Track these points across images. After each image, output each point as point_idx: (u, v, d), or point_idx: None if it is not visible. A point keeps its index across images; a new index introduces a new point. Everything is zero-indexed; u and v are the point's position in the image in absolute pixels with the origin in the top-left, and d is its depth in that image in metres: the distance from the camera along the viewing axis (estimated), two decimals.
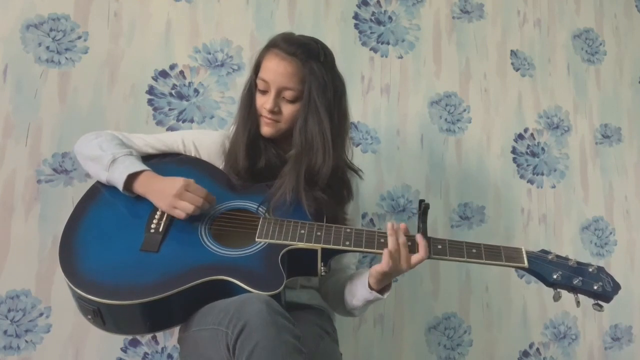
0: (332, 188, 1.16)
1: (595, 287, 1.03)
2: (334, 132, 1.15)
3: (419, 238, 1.06)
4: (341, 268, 1.27)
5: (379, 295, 1.10)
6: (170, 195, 1.06)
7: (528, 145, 1.94)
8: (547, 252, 1.08)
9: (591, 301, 1.05)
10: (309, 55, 1.14)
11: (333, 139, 1.14)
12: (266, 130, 1.18)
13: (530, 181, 1.92)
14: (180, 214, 1.05)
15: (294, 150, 1.16)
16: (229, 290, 0.97)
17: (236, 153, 1.17)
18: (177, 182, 1.07)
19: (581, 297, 1.06)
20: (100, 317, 0.98)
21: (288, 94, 1.15)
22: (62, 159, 1.48)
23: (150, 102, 1.58)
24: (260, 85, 1.16)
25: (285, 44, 1.14)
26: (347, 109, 1.23)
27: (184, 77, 1.62)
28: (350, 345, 1.63)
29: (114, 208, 1.11)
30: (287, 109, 1.16)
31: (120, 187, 1.08)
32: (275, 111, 1.16)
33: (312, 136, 1.13)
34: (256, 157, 1.18)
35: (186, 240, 1.06)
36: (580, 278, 1.04)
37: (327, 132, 1.13)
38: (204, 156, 1.24)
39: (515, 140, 1.93)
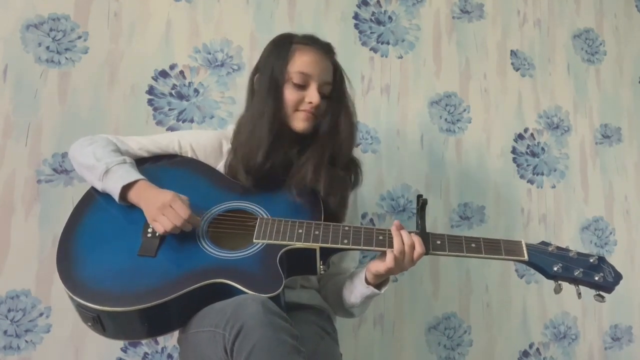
0: (348, 170, 1.22)
1: (597, 278, 1.02)
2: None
3: (413, 236, 1.06)
4: (340, 272, 1.26)
5: (375, 290, 1.09)
6: (154, 208, 1.04)
7: (528, 145, 1.94)
8: (547, 244, 1.07)
9: (593, 292, 1.04)
10: (333, 52, 1.23)
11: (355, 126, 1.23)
12: (305, 125, 1.17)
13: (530, 181, 1.92)
14: (159, 227, 1.03)
15: (321, 137, 1.18)
16: (229, 293, 0.97)
17: (256, 149, 1.12)
18: (164, 196, 1.04)
19: (582, 288, 1.04)
20: (101, 323, 0.97)
21: (327, 89, 1.18)
22: (62, 159, 1.48)
23: (150, 102, 1.58)
24: (298, 78, 1.15)
25: (313, 40, 1.21)
26: None
27: (184, 77, 1.62)
28: (350, 345, 1.63)
29: (110, 213, 1.10)
30: (323, 104, 1.18)
31: (115, 197, 1.07)
32: (320, 105, 1.17)
33: (342, 125, 1.19)
34: (273, 155, 1.14)
35: (184, 243, 1.05)
36: (581, 269, 1.02)
37: (354, 120, 1.22)
38: (201, 157, 1.23)
39: (515, 140, 1.93)
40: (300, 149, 1.19)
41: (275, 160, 1.14)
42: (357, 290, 1.13)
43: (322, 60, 1.18)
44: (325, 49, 1.20)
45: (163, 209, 1.03)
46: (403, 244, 1.04)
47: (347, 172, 1.22)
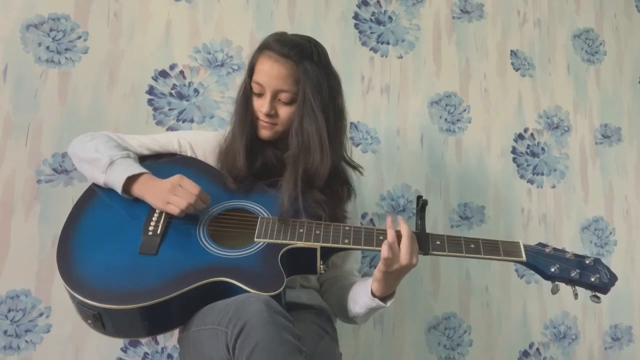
0: (331, 187, 1.15)
1: (593, 279, 1.04)
2: (331, 131, 1.15)
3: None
4: (343, 275, 1.26)
5: (381, 303, 1.08)
6: (164, 191, 1.05)
7: (528, 145, 1.94)
8: (544, 245, 1.08)
9: (589, 293, 1.06)
10: (303, 56, 1.12)
11: (330, 138, 1.13)
12: (264, 133, 1.18)
13: (530, 181, 1.92)
14: (173, 209, 1.04)
15: (291, 151, 1.15)
16: (230, 292, 0.97)
17: (234, 156, 1.16)
18: (171, 178, 1.07)
19: (579, 289, 1.06)
20: (101, 321, 0.98)
21: (283, 97, 1.14)
22: (62, 159, 1.48)
23: (150, 102, 1.58)
24: (256, 88, 1.16)
25: (278, 46, 1.13)
26: (344, 106, 1.22)
27: (184, 77, 1.62)
28: (350, 345, 1.63)
29: (111, 211, 1.10)
30: (284, 111, 1.15)
31: (118, 189, 1.08)
32: (272, 114, 1.15)
33: (309, 137, 1.12)
34: (254, 159, 1.18)
35: (185, 241, 1.06)
36: (578, 270, 1.04)
37: (323, 132, 1.12)
38: (200, 156, 1.23)
39: (515, 140, 1.93)
40: (284, 148, 1.19)
41: (258, 163, 1.17)
42: (362, 301, 1.11)
43: (279, 67, 1.11)
44: (286, 55, 1.11)
45: (174, 190, 1.05)
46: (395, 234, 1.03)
47: (331, 189, 1.15)
